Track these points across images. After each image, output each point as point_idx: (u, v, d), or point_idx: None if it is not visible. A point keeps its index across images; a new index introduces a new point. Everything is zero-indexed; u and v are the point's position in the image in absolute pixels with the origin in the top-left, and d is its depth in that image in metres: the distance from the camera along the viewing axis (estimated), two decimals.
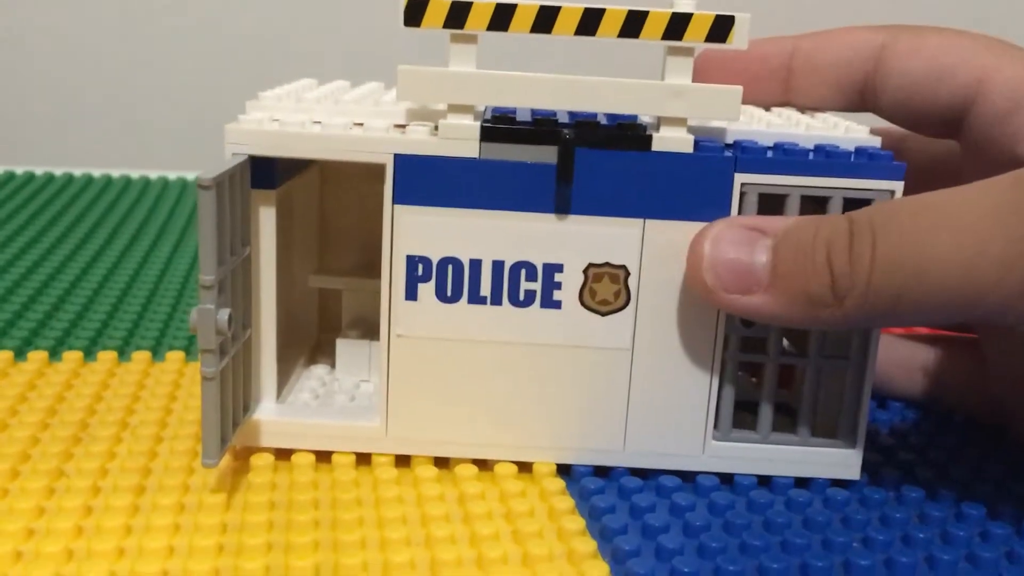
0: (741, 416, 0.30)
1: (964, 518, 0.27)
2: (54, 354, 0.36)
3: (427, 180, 0.27)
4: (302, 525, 0.25)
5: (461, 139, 0.27)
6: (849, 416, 0.29)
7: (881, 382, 0.33)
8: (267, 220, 0.29)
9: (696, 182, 0.27)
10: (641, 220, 0.27)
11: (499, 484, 0.28)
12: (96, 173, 0.64)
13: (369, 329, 0.34)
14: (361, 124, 0.28)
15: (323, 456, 0.29)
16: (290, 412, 0.30)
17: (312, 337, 0.36)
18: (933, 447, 0.32)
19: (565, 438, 0.29)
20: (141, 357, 0.36)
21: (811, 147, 0.27)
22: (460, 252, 0.28)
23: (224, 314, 0.25)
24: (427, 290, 0.28)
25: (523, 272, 0.28)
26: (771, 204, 0.28)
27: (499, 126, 0.27)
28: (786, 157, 0.27)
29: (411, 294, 0.28)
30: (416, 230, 0.28)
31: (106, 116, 0.84)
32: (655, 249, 0.28)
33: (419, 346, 0.28)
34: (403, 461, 0.29)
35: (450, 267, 0.28)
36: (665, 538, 0.25)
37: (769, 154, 0.27)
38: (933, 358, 0.34)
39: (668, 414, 0.29)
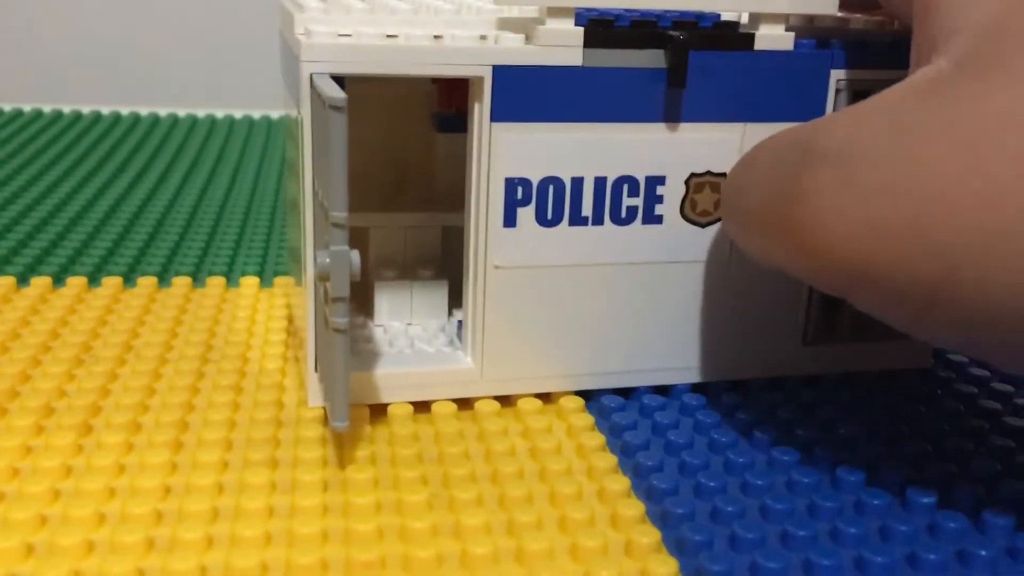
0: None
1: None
2: (58, 280, 0.36)
3: (527, 94, 0.25)
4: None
5: (562, 46, 0.25)
6: None
7: None
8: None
9: (794, 81, 0.27)
10: (742, 124, 0.27)
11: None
12: (105, 110, 0.65)
13: (401, 270, 0.31)
14: (441, 36, 0.25)
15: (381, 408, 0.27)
16: (370, 364, 0.27)
17: None
18: None
19: (665, 359, 0.28)
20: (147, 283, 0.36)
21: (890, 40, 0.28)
22: (562, 170, 0.26)
23: (356, 256, 0.22)
24: (527, 214, 0.26)
25: (625, 187, 0.27)
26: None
27: (604, 29, 0.25)
28: (880, 51, 0.27)
29: (510, 220, 0.26)
30: (516, 150, 0.25)
31: (108, 52, 0.78)
32: None
33: (518, 276, 0.26)
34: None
35: (551, 187, 0.26)
36: (688, 454, 0.25)
37: (862, 49, 0.27)
38: None
39: (762, 324, 0.29)
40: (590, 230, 0.27)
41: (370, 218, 0.31)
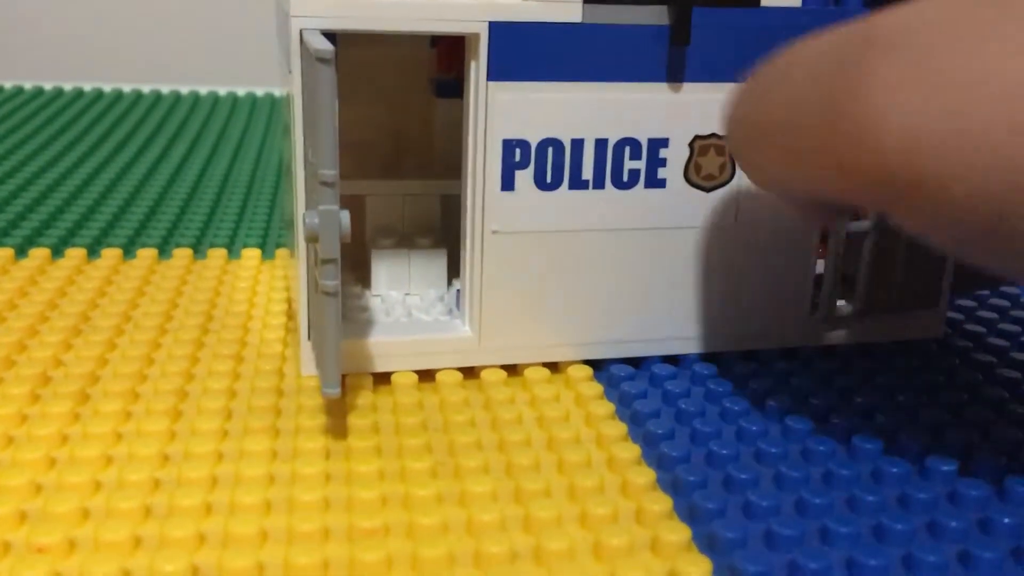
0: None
1: None
2: (57, 252, 0.36)
3: (525, 51, 0.25)
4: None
5: (561, 1, 0.24)
6: (935, 281, 0.29)
7: None
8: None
9: (804, 38, 0.26)
10: None
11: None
12: (107, 88, 0.66)
13: (399, 238, 0.31)
14: None
15: (384, 378, 0.27)
16: (366, 332, 0.27)
17: None
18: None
19: (667, 327, 0.28)
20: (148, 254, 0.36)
21: None
22: (561, 132, 0.25)
23: (346, 216, 0.22)
24: (525, 177, 0.26)
25: (627, 150, 0.26)
26: None
27: None
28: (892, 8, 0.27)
29: (508, 183, 0.26)
30: (513, 110, 0.25)
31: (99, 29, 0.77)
32: None
33: (516, 242, 0.26)
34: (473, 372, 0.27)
35: (550, 149, 0.26)
36: (700, 422, 0.25)
37: (873, 6, 0.27)
38: None
39: (770, 292, 0.28)
40: (591, 194, 0.26)
41: (367, 186, 0.30)
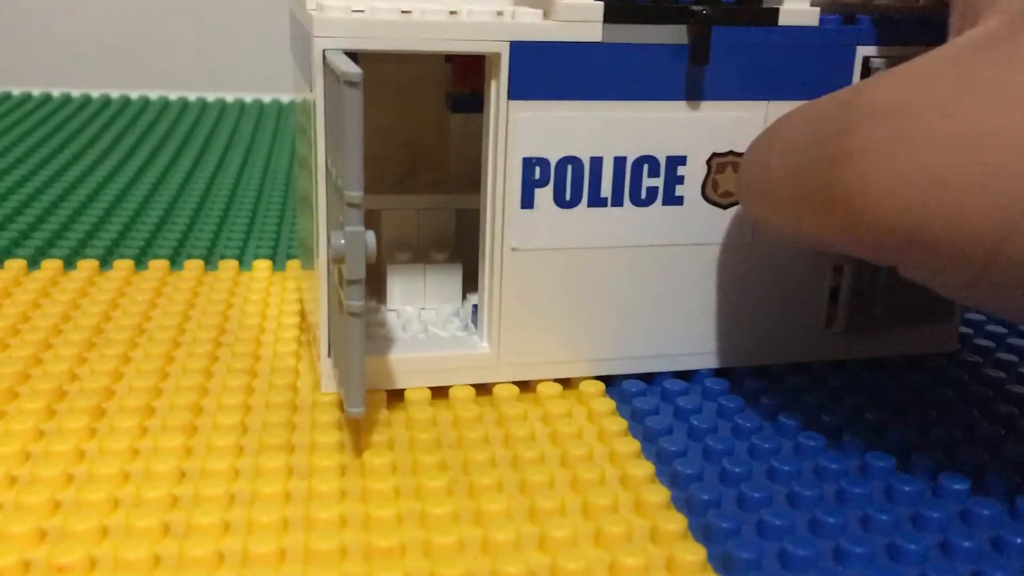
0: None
1: None
2: (69, 263, 0.36)
3: (545, 71, 0.25)
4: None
5: (582, 21, 0.24)
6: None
7: None
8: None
9: (819, 58, 0.26)
10: (765, 102, 0.26)
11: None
12: (114, 94, 0.65)
13: (415, 253, 0.31)
14: (456, 12, 0.25)
15: (398, 393, 0.27)
16: (384, 349, 0.27)
17: None
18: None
19: (685, 343, 0.28)
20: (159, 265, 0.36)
21: (917, 17, 0.27)
22: (580, 150, 0.26)
23: (372, 236, 0.22)
24: (544, 195, 0.26)
25: (646, 167, 0.26)
26: None
27: (625, 4, 0.25)
28: (906, 27, 0.27)
29: (527, 202, 0.26)
30: (534, 128, 0.25)
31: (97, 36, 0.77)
32: None
33: (535, 259, 0.26)
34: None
35: (570, 167, 0.26)
36: (712, 439, 0.25)
37: (889, 25, 0.27)
38: None
39: (785, 309, 0.28)
40: (609, 211, 0.26)
41: (383, 200, 0.30)
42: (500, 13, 0.25)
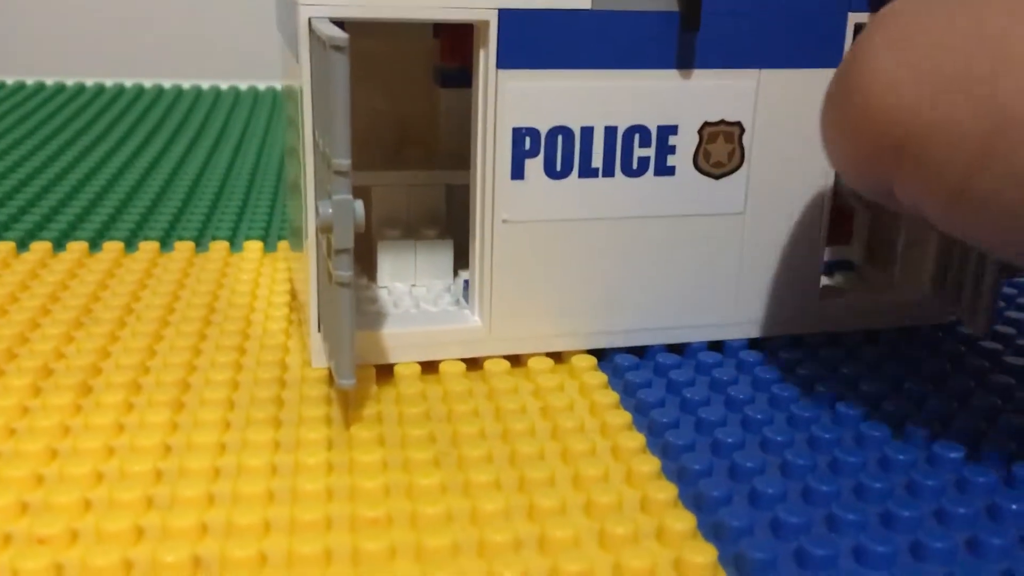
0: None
1: None
2: (58, 245, 0.36)
3: (535, 39, 0.24)
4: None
5: None
6: (939, 266, 0.29)
7: None
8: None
9: (811, 25, 0.26)
10: (757, 71, 0.26)
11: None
12: (108, 83, 0.65)
13: (405, 229, 0.31)
14: None
15: (387, 368, 0.26)
16: (376, 324, 0.26)
17: None
18: None
19: (680, 316, 0.27)
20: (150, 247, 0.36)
21: None
22: (571, 120, 0.25)
23: (360, 205, 0.21)
24: (535, 166, 0.25)
25: (637, 137, 0.26)
26: None
27: None
28: None
29: (518, 172, 0.25)
30: (523, 98, 0.25)
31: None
32: (769, 102, 0.26)
33: (526, 231, 0.26)
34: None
35: (560, 137, 0.25)
36: (705, 411, 0.25)
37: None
38: None
39: (780, 279, 0.28)
40: (600, 182, 0.26)
41: (372, 176, 0.30)
42: None
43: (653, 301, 0.27)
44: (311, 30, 0.23)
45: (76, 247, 0.35)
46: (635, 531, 0.20)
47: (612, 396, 0.25)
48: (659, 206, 0.26)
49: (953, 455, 0.23)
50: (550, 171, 0.25)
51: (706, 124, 0.26)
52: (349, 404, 0.24)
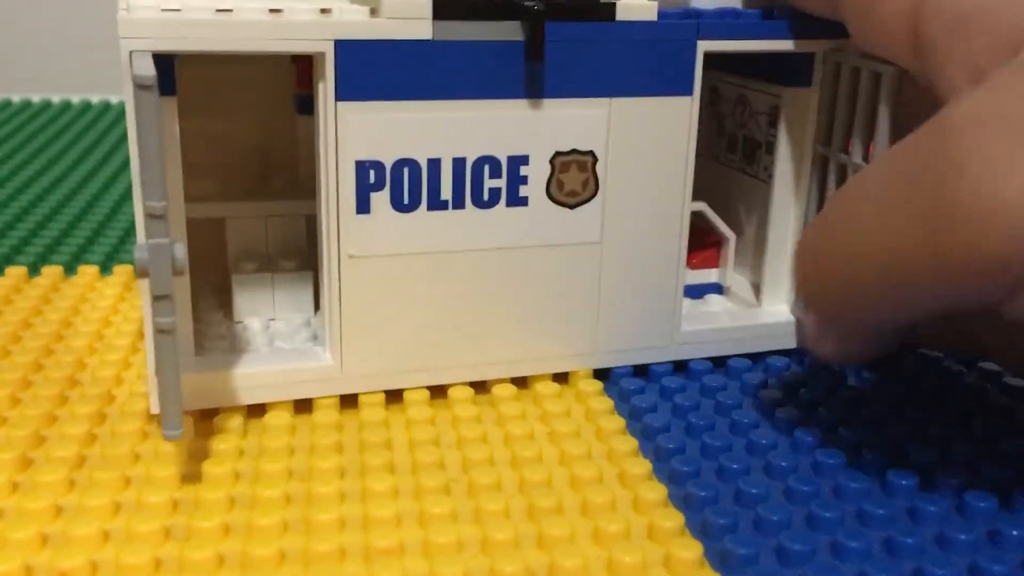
0: None
1: None
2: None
3: (374, 70, 0.24)
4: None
5: (410, 18, 0.23)
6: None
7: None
8: (174, 136, 0.24)
9: (661, 52, 0.25)
10: (608, 99, 0.25)
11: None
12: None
13: (263, 262, 0.30)
14: (280, 10, 0.23)
15: (257, 410, 0.25)
16: (214, 365, 0.25)
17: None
18: None
19: (536, 347, 0.27)
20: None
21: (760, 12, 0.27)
22: (416, 152, 0.24)
23: (181, 249, 0.20)
24: (381, 200, 0.25)
25: (487, 168, 0.25)
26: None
27: (455, 0, 0.24)
28: (746, 22, 0.26)
29: (363, 207, 0.24)
30: (365, 130, 0.24)
31: None
32: (622, 131, 0.26)
33: (374, 266, 0.25)
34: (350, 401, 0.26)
35: (406, 170, 0.25)
36: (709, 435, 0.24)
37: (728, 19, 0.26)
38: None
39: (639, 307, 0.27)
40: (451, 215, 0.25)
41: (226, 208, 0.29)
42: (325, 10, 0.23)
43: (511, 333, 0.27)
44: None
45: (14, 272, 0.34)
46: (643, 560, 0.20)
47: (619, 421, 0.25)
48: (513, 237, 0.26)
49: (906, 482, 0.23)
50: (397, 204, 0.25)
51: (558, 154, 0.26)
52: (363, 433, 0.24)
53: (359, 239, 0.25)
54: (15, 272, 0.33)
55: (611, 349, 0.28)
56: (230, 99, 0.30)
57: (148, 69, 0.20)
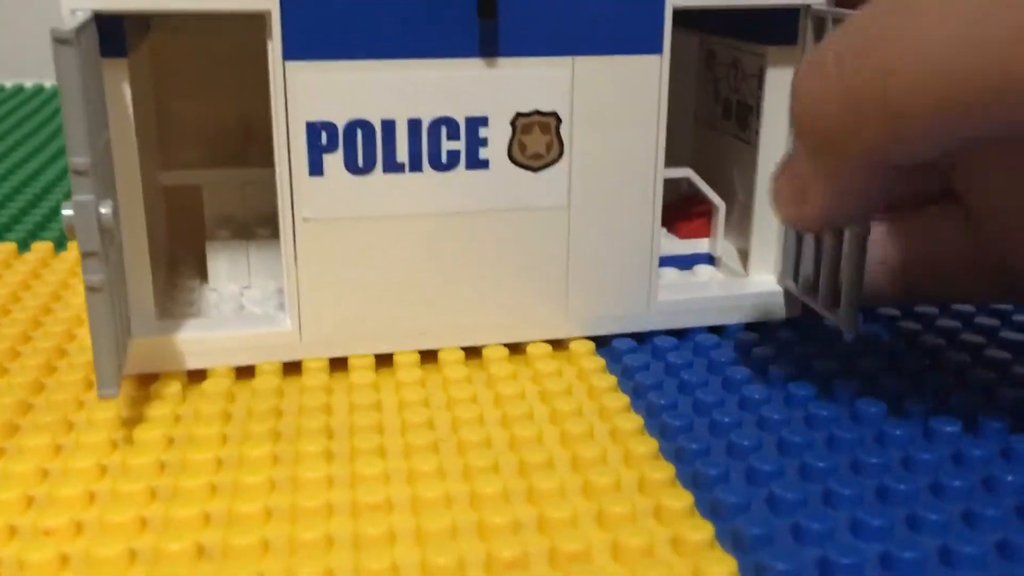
0: None
1: None
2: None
3: (324, 27, 0.23)
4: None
5: None
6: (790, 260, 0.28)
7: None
8: (121, 97, 0.23)
9: (627, 8, 0.24)
10: (570, 58, 0.25)
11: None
12: None
13: (239, 229, 0.30)
14: None
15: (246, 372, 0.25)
16: (177, 329, 0.25)
17: (165, 249, 0.31)
18: None
19: (506, 314, 0.26)
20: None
21: None
22: (370, 112, 0.24)
23: (108, 206, 0.20)
24: (334, 161, 0.24)
25: (444, 130, 0.25)
26: None
27: None
28: None
29: (316, 168, 0.24)
30: (315, 91, 0.24)
31: None
32: (587, 91, 0.25)
33: (330, 229, 0.25)
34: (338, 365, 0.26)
35: (360, 132, 0.24)
36: (702, 391, 0.24)
37: None
38: (912, 246, 0.26)
39: (610, 274, 0.26)
40: (408, 177, 0.25)
41: (201, 175, 0.29)
42: None
43: (474, 299, 0.26)
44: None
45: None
46: (633, 511, 0.20)
47: (610, 380, 0.25)
48: (474, 201, 0.25)
49: (899, 432, 0.23)
50: (351, 166, 0.24)
51: (519, 115, 0.25)
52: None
53: (313, 202, 0.24)
54: (5, 248, 0.34)
55: (581, 318, 0.27)
56: (217, 69, 0.30)
57: (67, 26, 0.19)
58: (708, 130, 0.32)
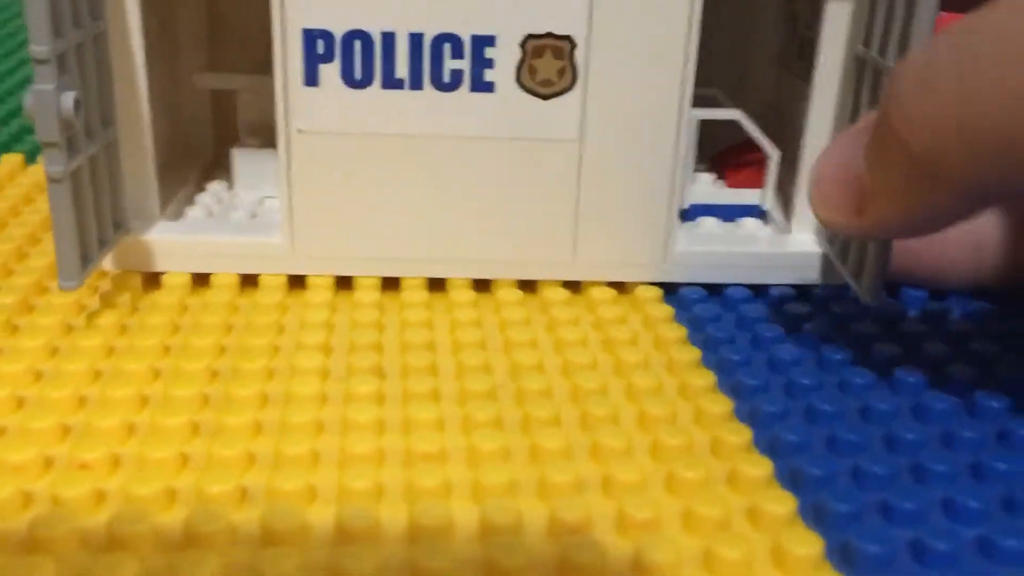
0: None
1: None
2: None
3: None
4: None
5: None
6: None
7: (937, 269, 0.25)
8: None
9: None
10: None
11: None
12: None
13: (270, 137, 0.29)
14: None
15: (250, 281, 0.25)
16: (170, 229, 0.25)
17: (207, 151, 0.31)
18: None
19: (502, 250, 0.25)
20: None
21: None
22: (369, 23, 0.23)
23: (68, 98, 0.20)
24: (330, 72, 0.23)
25: (447, 47, 0.23)
26: None
27: None
28: None
29: (311, 79, 0.23)
30: None
31: None
32: (606, 13, 0.23)
33: (324, 143, 0.24)
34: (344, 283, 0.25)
35: (358, 42, 0.23)
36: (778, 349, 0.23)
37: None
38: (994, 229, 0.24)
39: (623, 218, 0.25)
40: (407, 95, 0.23)
41: (236, 79, 0.29)
42: None
43: (476, 230, 0.25)
44: None
45: None
46: (706, 476, 0.18)
47: (679, 331, 0.23)
48: (477, 126, 0.24)
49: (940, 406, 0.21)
50: (348, 78, 0.23)
51: (530, 36, 0.23)
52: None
53: (307, 113, 0.23)
54: (11, 159, 0.33)
55: (589, 261, 0.25)
56: None
57: None
58: (786, 72, 0.29)
